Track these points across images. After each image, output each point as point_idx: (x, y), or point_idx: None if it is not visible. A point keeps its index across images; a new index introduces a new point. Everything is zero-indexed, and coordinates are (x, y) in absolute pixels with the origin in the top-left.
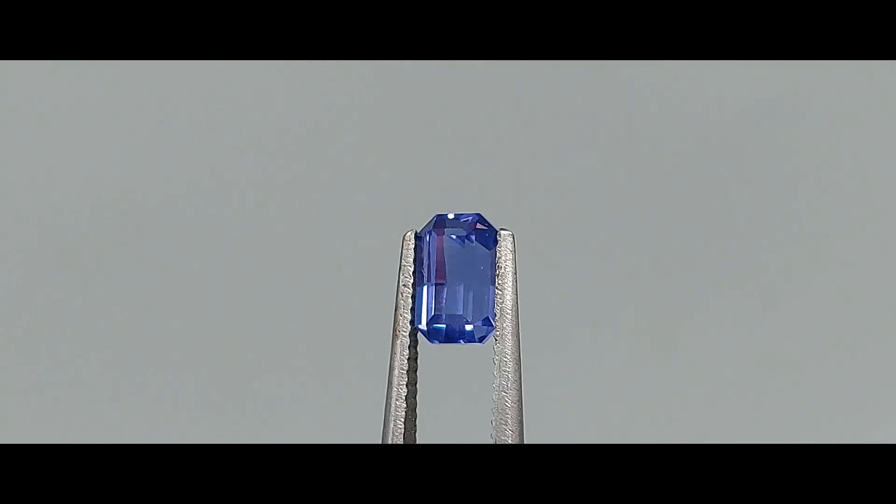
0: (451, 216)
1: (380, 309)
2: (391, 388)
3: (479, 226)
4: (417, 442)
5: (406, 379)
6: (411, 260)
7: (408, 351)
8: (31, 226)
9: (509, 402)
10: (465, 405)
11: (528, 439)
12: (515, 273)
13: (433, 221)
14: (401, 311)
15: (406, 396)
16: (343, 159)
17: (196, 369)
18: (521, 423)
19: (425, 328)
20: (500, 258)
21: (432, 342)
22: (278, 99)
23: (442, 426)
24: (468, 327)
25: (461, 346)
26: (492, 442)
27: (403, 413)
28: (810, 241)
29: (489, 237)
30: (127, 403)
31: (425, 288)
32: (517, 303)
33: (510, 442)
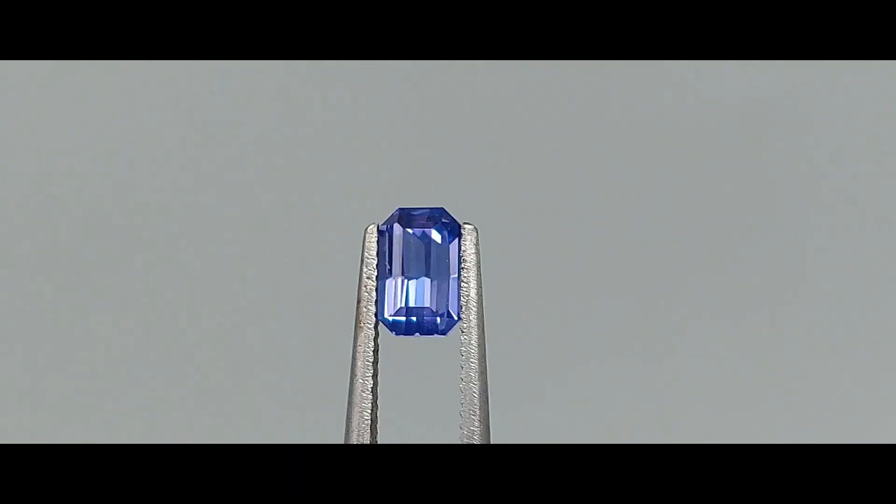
0: (413, 210)
1: (344, 304)
2: (355, 380)
3: (442, 220)
4: (378, 435)
5: (372, 371)
6: (374, 252)
7: (372, 343)
8: (29, 226)
9: (477, 391)
10: (424, 398)
11: (494, 431)
12: (479, 266)
13: (396, 215)
14: (364, 303)
15: (372, 388)
16: (304, 155)
17: (192, 368)
18: (487, 413)
19: (389, 321)
20: (464, 251)
21: (396, 335)
22: (244, 97)
23: (403, 419)
24: (433, 320)
25: (421, 339)
26: (460, 433)
27: (370, 405)
28: (809, 242)
29: (452, 231)
30: (126, 404)
31: (388, 281)
32: (481, 295)
33: (478, 429)
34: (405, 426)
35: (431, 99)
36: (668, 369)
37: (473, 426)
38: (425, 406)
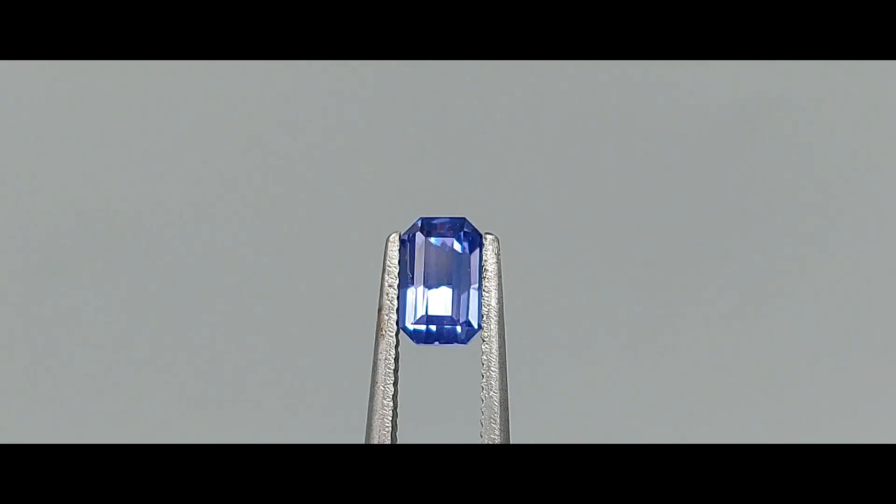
0: (435, 219)
1: (364, 311)
2: (376, 387)
3: (464, 229)
4: (398, 441)
5: (393, 378)
6: (396, 261)
7: (394, 351)
8: (27, 227)
9: (496, 401)
10: (444, 407)
11: (515, 439)
12: (500, 276)
13: (417, 224)
14: (385, 311)
15: (392, 395)
16: (326, 163)
17: (193, 369)
18: (507, 422)
19: (410, 329)
20: (485, 261)
21: (417, 343)
22: (260, 100)
23: (422, 427)
24: (454, 329)
25: (442, 348)
26: (480, 441)
27: (391, 412)
28: (804, 240)
29: (474, 240)
30: (126, 404)
31: (410, 290)
32: (502, 305)
33: (498, 440)
34: (424, 433)
35: (455, 107)
36: (680, 372)
37: (494, 434)
38: (444, 414)
